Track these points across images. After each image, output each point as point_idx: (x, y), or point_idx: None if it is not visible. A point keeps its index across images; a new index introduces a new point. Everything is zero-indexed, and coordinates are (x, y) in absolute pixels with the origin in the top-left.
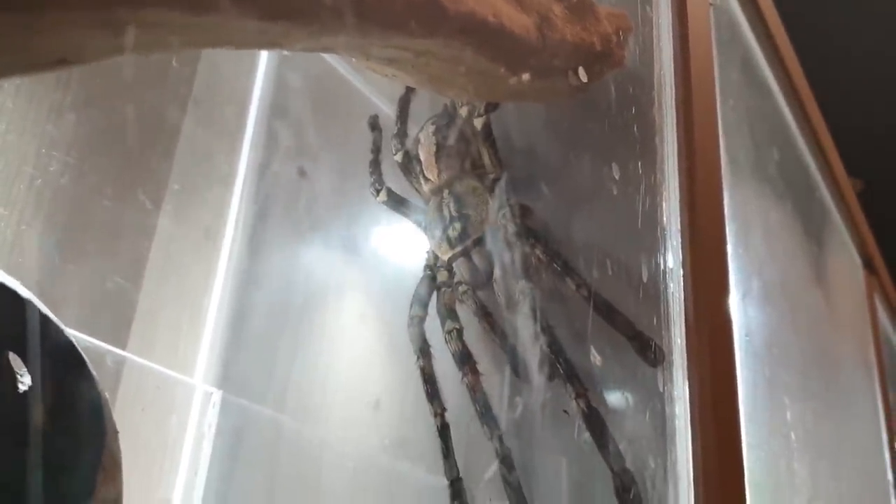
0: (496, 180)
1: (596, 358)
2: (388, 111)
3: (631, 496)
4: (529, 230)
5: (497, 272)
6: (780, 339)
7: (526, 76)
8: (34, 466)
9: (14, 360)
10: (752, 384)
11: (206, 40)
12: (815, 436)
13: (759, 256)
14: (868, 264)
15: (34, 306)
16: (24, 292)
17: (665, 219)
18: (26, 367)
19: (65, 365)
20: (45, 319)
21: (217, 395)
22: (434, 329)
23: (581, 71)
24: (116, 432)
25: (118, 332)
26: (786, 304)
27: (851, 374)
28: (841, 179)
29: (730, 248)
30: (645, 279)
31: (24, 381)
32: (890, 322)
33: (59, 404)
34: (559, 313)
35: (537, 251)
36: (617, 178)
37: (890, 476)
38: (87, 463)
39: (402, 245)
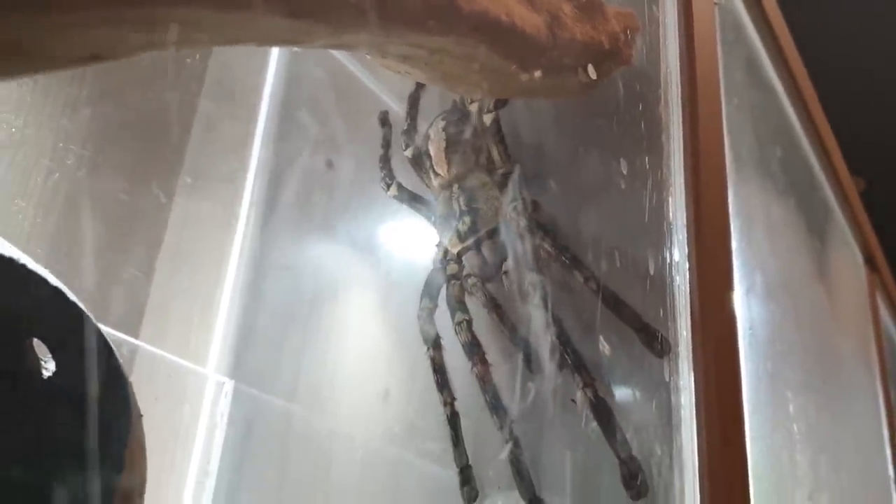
0: (505, 175)
1: (605, 347)
2: (397, 109)
3: (638, 483)
4: (538, 224)
5: (506, 265)
6: (783, 333)
7: (537, 73)
8: (62, 448)
9: (38, 346)
10: (755, 377)
11: (232, 37)
12: (816, 430)
13: (762, 252)
14: (870, 262)
15: (63, 294)
16: (54, 280)
17: (671, 214)
18: (56, 351)
19: (93, 351)
20: (73, 307)
21: (229, 385)
22: (444, 321)
23: (590, 68)
24: (140, 416)
25: (131, 323)
26: (788, 299)
27: (853, 370)
28: (843, 178)
29: (734, 244)
30: (652, 272)
31: (49, 368)
32: (892, 319)
33: (87, 388)
34: (567, 305)
35: (546, 245)
36: (625, 173)
37: (891, 471)
38: (114, 445)
39: (411, 239)
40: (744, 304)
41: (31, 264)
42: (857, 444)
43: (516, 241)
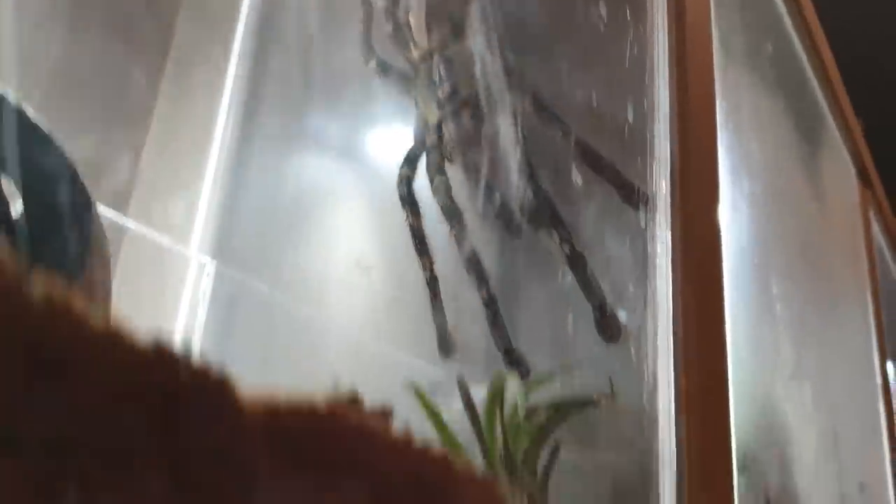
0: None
1: (577, 178)
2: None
3: (608, 317)
4: (518, 87)
5: (485, 129)
6: (770, 217)
7: None
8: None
9: (6, 183)
10: (738, 250)
11: None
12: (801, 321)
13: (748, 139)
14: (863, 176)
15: (24, 114)
16: (12, 98)
17: (655, 60)
18: (23, 172)
19: (56, 169)
20: (35, 128)
21: (211, 266)
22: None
23: None
24: (106, 237)
25: (117, 205)
26: (776, 195)
27: (843, 277)
28: (834, 78)
29: (718, 118)
30: (631, 121)
31: (17, 209)
32: (883, 237)
33: (51, 199)
34: (547, 162)
35: (525, 105)
36: (604, 16)
37: (878, 379)
38: (74, 242)
39: (393, 122)
40: (728, 179)
41: None
42: (845, 350)
43: (495, 103)
